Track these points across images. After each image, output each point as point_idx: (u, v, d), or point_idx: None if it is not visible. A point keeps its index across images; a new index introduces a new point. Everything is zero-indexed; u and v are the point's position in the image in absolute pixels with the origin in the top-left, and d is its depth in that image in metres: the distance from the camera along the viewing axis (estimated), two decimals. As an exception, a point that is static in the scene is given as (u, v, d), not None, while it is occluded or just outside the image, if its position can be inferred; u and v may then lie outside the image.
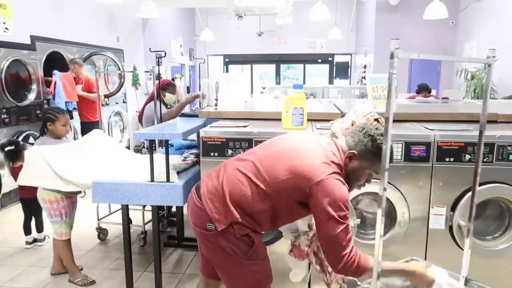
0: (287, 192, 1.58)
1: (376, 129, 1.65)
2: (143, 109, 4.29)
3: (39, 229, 3.74)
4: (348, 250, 1.52)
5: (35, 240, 3.71)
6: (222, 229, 1.61)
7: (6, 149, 3.50)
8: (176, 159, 2.80)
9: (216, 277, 1.89)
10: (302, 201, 1.58)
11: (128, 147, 7.40)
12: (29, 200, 3.43)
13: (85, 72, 5.84)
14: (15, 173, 3.35)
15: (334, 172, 1.56)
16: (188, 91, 10.48)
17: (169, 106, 4.30)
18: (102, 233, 3.86)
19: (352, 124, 2.33)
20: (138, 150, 4.48)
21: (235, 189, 1.62)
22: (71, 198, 2.94)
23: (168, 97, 4.19)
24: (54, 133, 3.00)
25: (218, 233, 1.63)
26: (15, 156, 3.53)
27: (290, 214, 1.70)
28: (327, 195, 1.50)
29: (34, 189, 2.92)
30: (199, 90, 7.38)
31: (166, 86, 4.20)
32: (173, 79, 9.31)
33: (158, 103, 3.91)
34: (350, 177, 1.65)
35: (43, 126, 3.01)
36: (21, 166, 2.99)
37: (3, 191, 4.67)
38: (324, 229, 1.53)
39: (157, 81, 3.98)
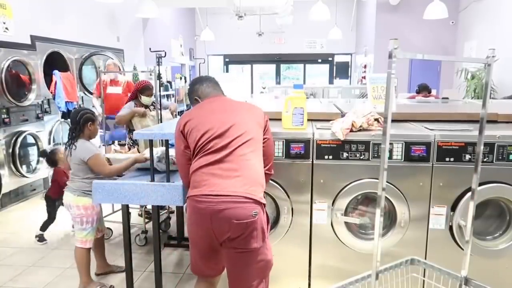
0: (260, 134, 2.04)
1: None
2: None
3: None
4: None
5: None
6: (263, 203, 1.90)
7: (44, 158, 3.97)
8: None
9: (217, 273, 2.12)
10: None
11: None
12: (56, 200, 3.77)
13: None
14: (57, 173, 3.77)
15: None
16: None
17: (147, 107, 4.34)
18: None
19: (353, 124, 2.34)
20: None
21: (249, 166, 1.92)
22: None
23: (145, 99, 4.24)
24: (92, 133, 2.90)
25: (260, 214, 1.87)
26: (52, 162, 3.87)
27: None
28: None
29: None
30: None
31: (142, 90, 4.25)
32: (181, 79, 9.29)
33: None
34: None
35: (81, 128, 2.82)
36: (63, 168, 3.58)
37: (3, 191, 4.68)
38: (272, 146, 2.21)
39: (134, 82, 4.06)
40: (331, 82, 13.06)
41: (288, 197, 2.38)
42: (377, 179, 1.40)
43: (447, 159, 2.27)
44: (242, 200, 1.82)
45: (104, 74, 5.06)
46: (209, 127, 1.97)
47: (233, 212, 1.81)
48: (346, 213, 2.37)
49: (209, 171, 1.89)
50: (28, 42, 5.13)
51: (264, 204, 1.92)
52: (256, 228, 1.85)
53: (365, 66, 10.53)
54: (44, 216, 3.83)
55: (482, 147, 1.53)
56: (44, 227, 3.82)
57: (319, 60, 13.53)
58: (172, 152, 2.56)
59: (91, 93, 6.25)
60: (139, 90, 4.23)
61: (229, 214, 1.81)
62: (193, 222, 1.93)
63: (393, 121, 1.48)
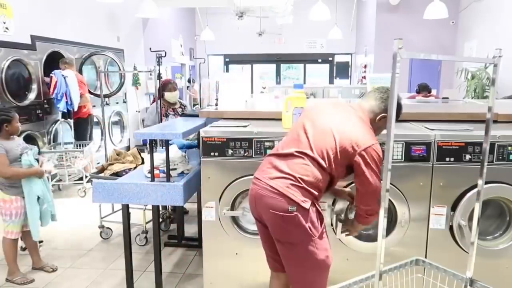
0: (339, 162, 1.89)
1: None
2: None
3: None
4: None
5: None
6: (303, 207, 1.83)
7: None
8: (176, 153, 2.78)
9: (281, 267, 2.03)
10: (349, 164, 1.92)
11: (128, 147, 7.41)
12: None
13: (75, 71, 5.84)
14: None
15: (374, 139, 1.92)
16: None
17: (173, 106, 4.31)
18: (104, 232, 3.87)
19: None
20: (141, 150, 4.52)
21: (303, 172, 1.86)
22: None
23: (168, 95, 4.20)
24: (10, 133, 3.03)
25: (300, 213, 1.82)
26: None
27: (339, 177, 2.02)
28: (372, 158, 1.87)
29: None
30: (200, 89, 7.38)
31: (163, 87, 4.22)
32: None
33: (158, 105, 3.99)
34: (378, 131, 2.05)
35: None
36: None
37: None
38: (371, 180, 1.88)
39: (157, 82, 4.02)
40: (331, 82, 13.06)
41: (289, 197, 2.37)
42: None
43: (447, 159, 2.27)
44: (278, 193, 1.84)
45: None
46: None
47: (270, 201, 1.85)
48: (346, 213, 2.37)
49: (269, 159, 1.99)
50: (28, 42, 5.12)
51: (304, 208, 1.84)
52: (293, 223, 1.83)
53: (365, 66, 10.53)
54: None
55: (488, 146, 1.51)
56: None
57: (319, 60, 13.53)
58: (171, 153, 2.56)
59: (91, 93, 6.26)
60: (162, 89, 4.19)
61: (266, 202, 1.86)
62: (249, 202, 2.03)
63: (393, 121, 1.47)
